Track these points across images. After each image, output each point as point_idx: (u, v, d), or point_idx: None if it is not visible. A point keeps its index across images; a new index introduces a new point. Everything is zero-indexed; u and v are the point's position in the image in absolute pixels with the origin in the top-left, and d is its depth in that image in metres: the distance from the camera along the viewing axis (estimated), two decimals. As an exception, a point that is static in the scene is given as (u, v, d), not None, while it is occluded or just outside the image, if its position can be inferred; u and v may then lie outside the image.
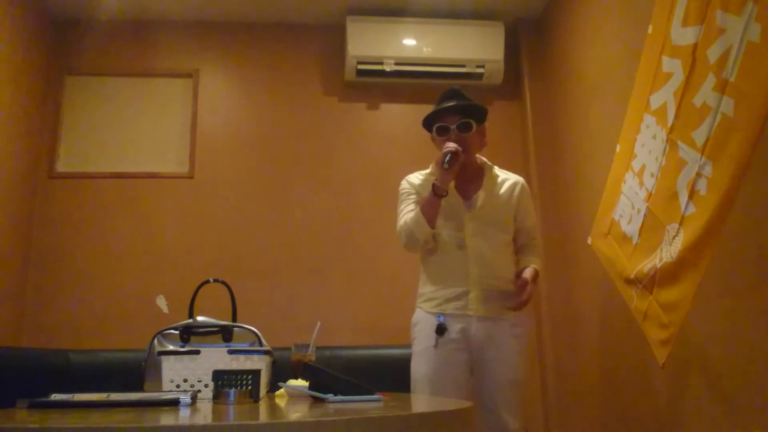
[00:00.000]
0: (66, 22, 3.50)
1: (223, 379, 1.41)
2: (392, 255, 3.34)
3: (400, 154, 3.52)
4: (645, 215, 2.08)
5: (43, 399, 1.33)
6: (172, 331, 1.95)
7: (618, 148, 2.37)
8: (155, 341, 1.92)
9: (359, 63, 3.43)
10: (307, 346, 2.01)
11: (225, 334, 1.96)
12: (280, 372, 1.81)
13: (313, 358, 1.99)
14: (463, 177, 2.28)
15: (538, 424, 3.22)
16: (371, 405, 1.30)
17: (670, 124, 1.91)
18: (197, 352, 1.64)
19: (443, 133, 2.25)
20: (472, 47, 3.47)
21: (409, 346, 2.78)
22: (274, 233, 3.38)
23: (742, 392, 1.71)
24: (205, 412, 1.25)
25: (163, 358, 1.65)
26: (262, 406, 1.39)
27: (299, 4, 3.50)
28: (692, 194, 1.76)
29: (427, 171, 2.37)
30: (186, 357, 1.64)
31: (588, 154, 2.93)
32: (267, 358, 1.70)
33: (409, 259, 3.19)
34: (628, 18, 2.49)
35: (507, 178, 2.36)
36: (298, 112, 3.56)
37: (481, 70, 3.49)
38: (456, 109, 2.25)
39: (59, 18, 3.48)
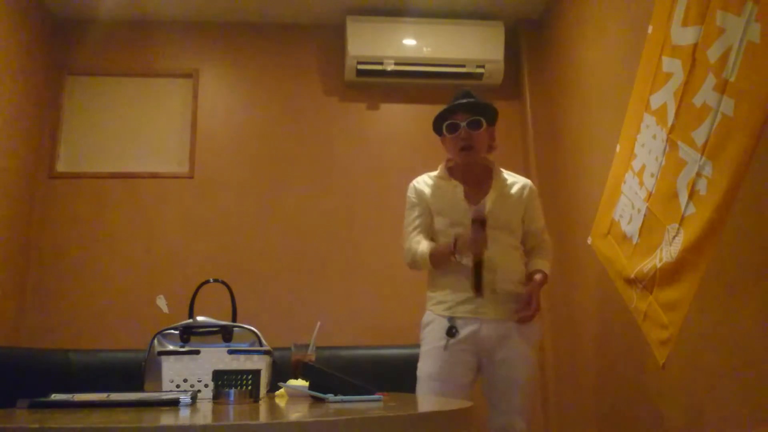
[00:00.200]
0: (66, 22, 3.50)
1: (223, 379, 1.41)
2: (392, 255, 3.33)
3: (400, 154, 3.52)
4: (645, 215, 2.08)
5: (43, 399, 1.33)
6: (172, 331, 1.95)
7: (618, 148, 2.37)
8: (155, 341, 1.92)
9: (359, 63, 3.43)
10: (307, 346, 2.01)
11: (225, 334, 1.96)
12: (280, 372, 1.81)
13: (313, 358, 1.99)
14: (471, 179, 2.28)
15: (538, 424, 3.22)
16: (371, 405, 1.30)
17: (670, 124, 1.91)
18: (197, 352, 1.64)
19: (453, 129, 2.25)
20: (472, 47, 3.47)
21: (409, 346, 2.80)
22: (274, 233, 3.38)
23: (742, 392, 1.71)
24: (205, 412, 1.25)
25: (163, 358, 1.65)
26: (262, 406, 1.39)
27: (299, 4, 3.50)
28: (692, 194, 1.76)
29: (435, 173, 2.37)
30: (186, 357, 1.64)
31: (588, 154, 2.92)
32: (267, 358, 1.70)
33: (409, 259, 3.20)
34: (628, 18, 2.49)
35: (515, 181, 2.36)
36: (298, 112, 3.56)
37: (481, 70, 3.49)
38: (467, 107, 2.25)
39: (59, 18, 3.48)
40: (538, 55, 3.59)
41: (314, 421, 1.04)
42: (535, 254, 2.34)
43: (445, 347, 2.15)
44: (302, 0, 3.46)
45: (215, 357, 1.61)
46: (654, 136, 2.03)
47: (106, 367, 2.65)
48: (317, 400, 1.38)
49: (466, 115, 2.24)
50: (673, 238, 1.86)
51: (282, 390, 1.65)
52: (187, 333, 1.95)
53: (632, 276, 2.15)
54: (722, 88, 1.62)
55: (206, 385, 1.60)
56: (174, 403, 1.30)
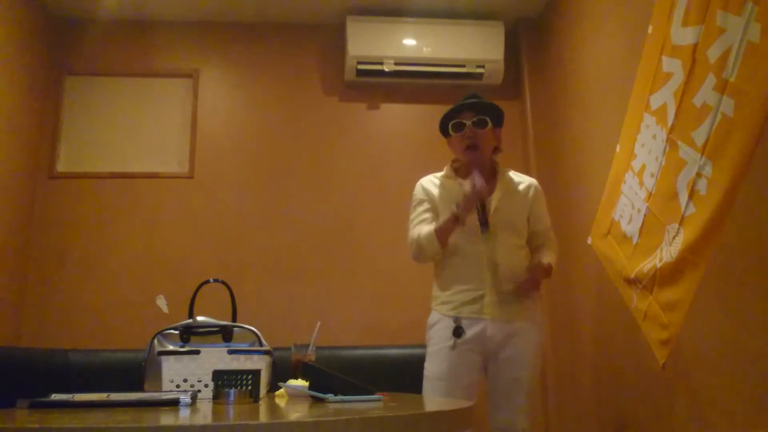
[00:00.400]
0: (66, 22, 3.50)
1: (223, 379, 1.41)
2: (392, 255, 3.34)
3: (400, 154, 3.52)
4: (645, 215, 2.08)
5: (43, 399, 1.33)
6: (172, 331, 1.95)
7: (618, 148, 2.37)
8: (155, 341, 1.92)
9: (359, 63, 3.43)
10: (307, 346, 2.01)
11: (225, 334, 1.96)
12: (280, 372, 1.82)
13: (313, 358, 1.98)
14: None
15: (538, 423, 3.22)
16: (371, 405, 1.30)
17: (670, 124, 1.91)
18: (197, 352, 1.64)
19: (459, 128, 2.26)
20: (472, 47, 3.47)
21: (408, 346, 2.80)
22: (274, 233, 3.38)
23: (742, 392, 1.71)
24: (205, 412, 1.25)
25: (163, 358, 1.65)
26: (262, 406, 1.39)
27: (299, 4, 3.50)
28: (692, 194, 1.76)
29: (442, 173, 2.37)
30: (186, 357, 1.64)
31: (588, 154, 2.92)
32: (267, 358, 1.70)
33: (408, 259, 3.20)
34: (628, 18, 2.49)
35: (521, 181, 2.37)
36: (298, 112, 3.56)
37: (481, 70, 3.49)
38: (472, 106, 2.26)
39: (59, 18, 3.48)
40: (538, 55, 3.59)
41: (314, 421, 1.04)
42: (541, 251, 2.34)
43: (453, 347, 2.15)
44: (302, 0, 3.46)
45: (215, 357, 1.61)
46: (654, 136, 2.03)
47: (106, 367, 2.65)
48: (317, 400, 1.38)
49: (471, 115, 2.25)
50: (673, 238, 1.86)
51: (282, 390, 1.65)
52: (187, 333, 1.95)
53: (632, 276, 2.15)
54: (722, 88, 1.62)
55: (206, 385, 1.60)
56: (174, 403, 1.30)
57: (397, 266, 3.33)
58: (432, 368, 2.21)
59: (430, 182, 2.37)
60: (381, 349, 2.89)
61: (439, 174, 2.38)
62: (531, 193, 2.35)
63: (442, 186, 2.33)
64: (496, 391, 2.21)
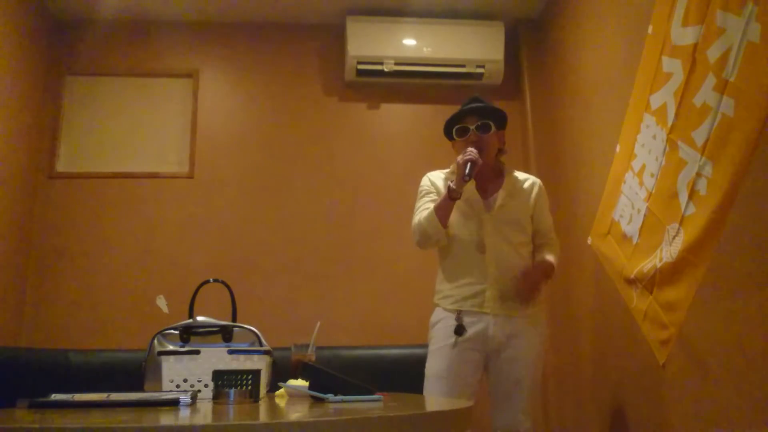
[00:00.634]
0: (66, 22, 3.50)
1: (223, 379, 1.41)
2: (392, 255, 3.35)
3: (400, 154, 3.52)
4: (645, 215, 2.09)
5: (43, 399, 1.33)
6: (172, 331, 1.95)
7: (618, 148, 2.38)
8: (155, 341, 1.92)
9: (359, 63, 3.43)
10: (307, 346, 2.01)
11: (225, 334, 1.96)
12: (280, 372, 1.82)
13: (313, 358, 1.99)
14: (482, 178, 2.30)
15: (538, 423, 3.22)
16: (371, 405, 1.30)
17: (670, 124, 1.91)
18: (197, 352, 1.64)
19: (463, 133, 2.28)
20: (472, 47, 3.47)
21: (408, 346, 2.81)
22: (274, 233, 3.38)
23: (742, 392, 1.71)
24: (205, 412, 1.25)
25: (163, 358, 1.65)
26: (262, 406, 1.39)
27: (299, 4, 3.50)
28: (692, 194, 1.77)
29: (449, 170, 2.39)
30: (186, 357, 1.64)
31: (588, 154, 2.92)
32: (267, 358, 1.70)
33: (409, 259, 3.21)
34: (628, 18, 2.49)
35: (525, 179, 2.39)
36: (298, 112, 3.56)
37: (481, 70, 3.49)
38: (476, 111, 2.28)
39: (59, 18, 3.48)
40: (538, 55, 3.59)
41: (314, 421, 1.04)
42: (543, 250, 2.35)
43: (454, 345, 2.16)
44: (302, 0, 3.46)
45: (215, 357, 1.61)
46: (654, 136, 2.03)
47: (106, 367, 2.65)
48: (317, 400, 1.38)
49: (475, 119, 2.27)
50: (673, 238, 1.86)
51: (282, 390, 1.65)
52: (187, 333, 1.94)
53: (632, 276, 2.15)
54: (722, 88, 1.62)
55: (206, 385, 1.60)
56: (174, 403, 1.29)
57: (397, 266, 3.33)
58: (433, 366, 2.22)
59: (437, 176, 2.40)
60: (381, 349, 2.89)
61: (446, 170, 2.41)
62: (535, 191, 2.36)
63: (447, 180, 2.35)
64: (498, 390, 2.22)
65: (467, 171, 2.12)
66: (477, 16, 3.54)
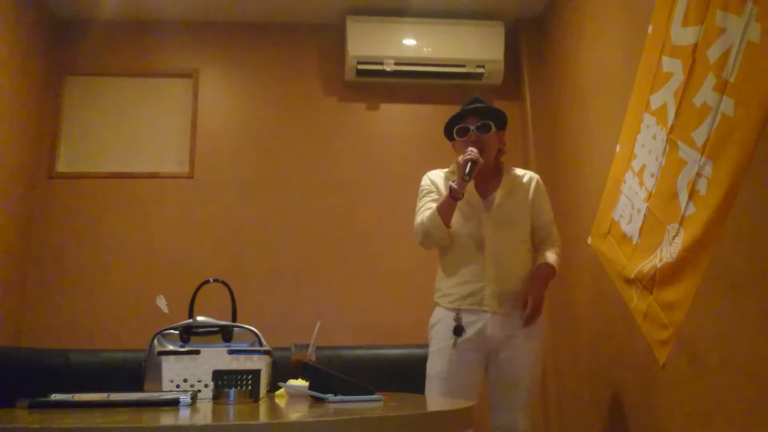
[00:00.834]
0: (66, 22, 3.50)
1: (223, 379, 1.41)
2: (392, 255, 3.35)
3: (399, 154, 3.52)
4: (645, 215, 2.09)
5: (43, 399, 1.33)
6: (172, 331, 1.95)
7: (618, 148, 2.38)
8: (155, 341, 1.92)
9: (359, 63, 3.43)
10: (307, 346, 2.01)
11: (225, 334, 1.96)
12: (280, 372, 1.81)
13: (313, 358, 1.99)
14: (481, 177, 2.31)
15: (537, 423, 3.22)
16: (371, 405, 1.30)
17: (670, 124, 1.91)
18: (197, 352, 1.64)
19: (463, 134, 2.29)
20: (472, 47, 3.47)
21: (408, 346, 2.81)
22: (274, 233, 3.38)
23: (742, 393, 1.71)
24: (205, 412, 1.25)
25: (163, 358, 1.65)
26: (262, 406, 1.39)
27: (299, 4, 3.50)
28: (692, 194, 1.77)
29: (448, 169, 2.40)
30: (186, 357, 1.64)
31: (588, 154, 2.92)
32: (267, 358, 1.70)
33: (409, 259, 3.21)
34: (628, 18, 2.49)
35: (523, 175, 2.40)
36: (298, 112, 3.56)
37: (481, 70, 3.49)
38: (476, 111, 2.29)
39: (59, 18, 3.48)
40: (538, 55, 3.59)
41: (314, 421, 1.04)
42: (543, 248, 2.35)
43: (453, 346, 2.17)
44: (302, 0, 3.46)
45: (215, 357, 1.61)
46: (654, 136, 2.03)
47: (106, 367, 2.65)
48: (317, 400, 1.38)
49: (476, 120, 2.28)
50: (674, 238, 1.86)
51: (282, 390, 1.65)
52: (187, 333, 1.95)
53: (632, 276, 2.15)
54: (722, 88, 1.62)
55: (206, 385, 1.60)
56: (174, 403, 1.30)
57: (397, 266, 3.34)
58: (433, 367, 2.22)
59: (437, 175, 2.41)
60: (381, 349, 2.89)
61: (446, 170, 2.42)
62: (532, 185, 2.37)
63: (447, 179, 2.36)
64: (497, 390, 2.23)
65: (467, 170, 2.13)
66: (477, 16, 3.54)
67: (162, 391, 1.58)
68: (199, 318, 1.98)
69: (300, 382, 1.58)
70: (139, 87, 3.52)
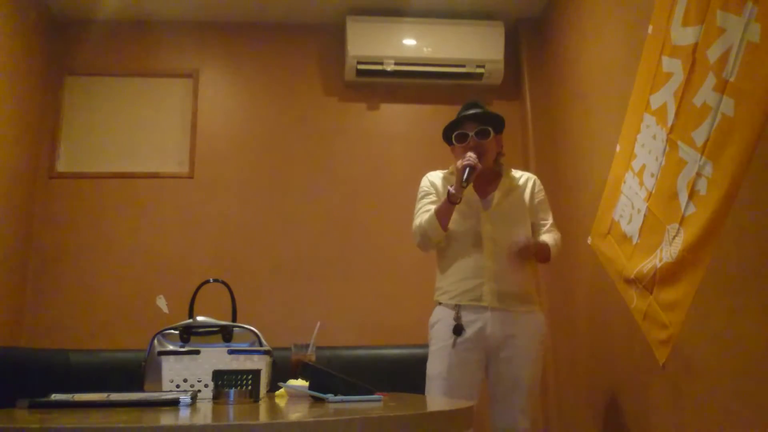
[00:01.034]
0: (66, 22, 3.50)
1: (223, 379, 1.41)
2: (392, 254, 3.35)
3: (400, 154, 3.52)
4: (645, 215, 2.09)
5: (43, 399, 1.33)
6: (172, 331, 1.95)
7: (618, 148, 2.38)
8: (155, 341, 1.92)
9: (359, 63, 3.43)
10: (307, 346, 2.01)
11: (225, 334, 1.96)
12: (280, 372, 1.81)
13: (313, 358, 1.99)
14: (480, 180, 2.32)
15: (537, 424, 3.21)
16: (371, 405, 1.30)
17: (670, 124, 1.91)
18: (197, 352, 1.64)
19: (462, 139, 2.31)
20: (472, 47, 3.46)
21: (408, 346, 2.81)
22: (274, 233, 3.38)
23: (742, 392, 1.71)
24: (205, 412, 1.25)
25: (163, 358, 1.65)
26: (262, 406, 1.39)
27: (299, 4, 3.50)
28: (692, 194, 1.77)
29: (448, 170, 2.41)
30: (186, 357, 1.64)
31: (588, 154, 2.92)
32: (267, 358, 1.70)
33: (409, 259, 3.20)
34: (628, 18, 2.49)
35: (521, 176, 2.42)
36: (298, 112, 3.56)
37: (481, 70, 3.49)
38: (474, 117, 2.31)
39: (59, 18, 3.48)
40: (538, 55, 3.59)
41: (314, 421, 1.04)
42: (543, 234, 2.35)
43: (453, 345, 2.17)
44: (302, 0, 3.46)
45: (215, 357, 1.61)
46: (654, 136, 2.04)
47: (106, 367, 2.65)
48: (317, 400, 1.38)
49: (474, 125, 2.30)
50: (674, 237, 1.86)
51: (282, 390, 1.65)
52: (187, 333, 1.94)
53: (632, 276, 2.15)
54: (722, 88, 1.62)
55: (206, 385, 1.60)
56: (174, 403, 1.30)
57: (397, 266, 3.33)
58: (433, 367, 2.23)
59: (437, 176, 2.43)
60: (381, 349, 2.89)
61: (445, 171, 2.43)
62: (530, 186, 2.39)
63: (446, 180, 2.38)
64: (497, 390, 2.23)
65: (465, 176, 2.15)
66: (477, 16, 3.54)
67: (162, 391, 1.58)
68: (199, 318, 1.98)
69: (300, 382, 1.59)
70: (139, 87, 3.52)
